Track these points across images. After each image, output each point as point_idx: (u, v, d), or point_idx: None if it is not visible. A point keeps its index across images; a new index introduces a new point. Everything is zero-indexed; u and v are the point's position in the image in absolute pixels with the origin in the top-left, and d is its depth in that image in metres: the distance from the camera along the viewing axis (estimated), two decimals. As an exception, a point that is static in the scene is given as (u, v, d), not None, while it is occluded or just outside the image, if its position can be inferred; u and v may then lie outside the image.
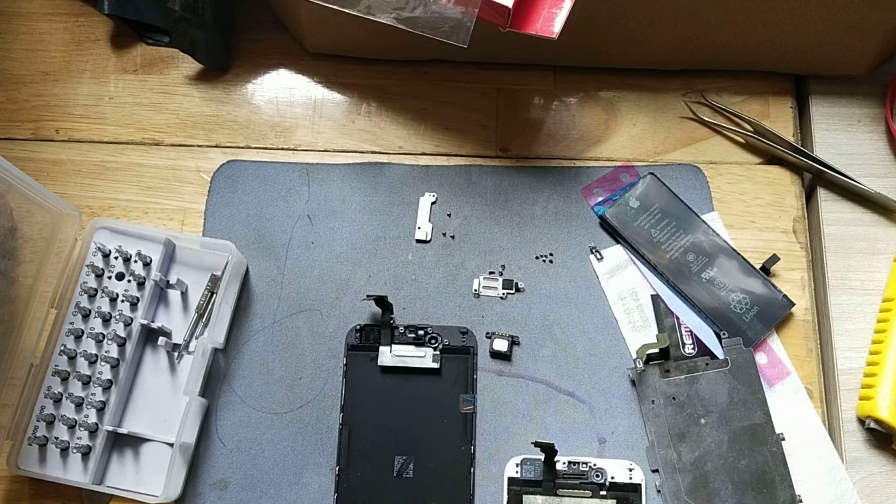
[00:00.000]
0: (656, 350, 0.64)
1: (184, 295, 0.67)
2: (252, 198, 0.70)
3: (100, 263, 0.66)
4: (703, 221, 0.68)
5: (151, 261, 0.66)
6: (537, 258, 0.68)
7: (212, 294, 0.66)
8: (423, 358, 0.65)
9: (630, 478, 0.62)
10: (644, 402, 0.64)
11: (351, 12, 0.60)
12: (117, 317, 0.65)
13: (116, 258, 0.66)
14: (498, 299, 0.67)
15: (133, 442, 0.64)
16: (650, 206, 0.68)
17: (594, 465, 0.62)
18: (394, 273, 0.68)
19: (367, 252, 0.69)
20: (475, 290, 0.68)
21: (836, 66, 0.71)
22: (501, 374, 0.66)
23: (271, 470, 0.64)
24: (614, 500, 0.62)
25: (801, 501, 0.61)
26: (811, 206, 0.71)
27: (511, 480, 0.62)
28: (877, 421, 0.62)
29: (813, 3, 0.65)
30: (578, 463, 0.62)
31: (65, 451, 0.63)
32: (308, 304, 0.67)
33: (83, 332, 0.65)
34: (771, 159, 0.72)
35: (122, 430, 0.63)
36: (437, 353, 0.65)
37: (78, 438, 0.63)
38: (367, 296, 0.65)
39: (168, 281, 0.66)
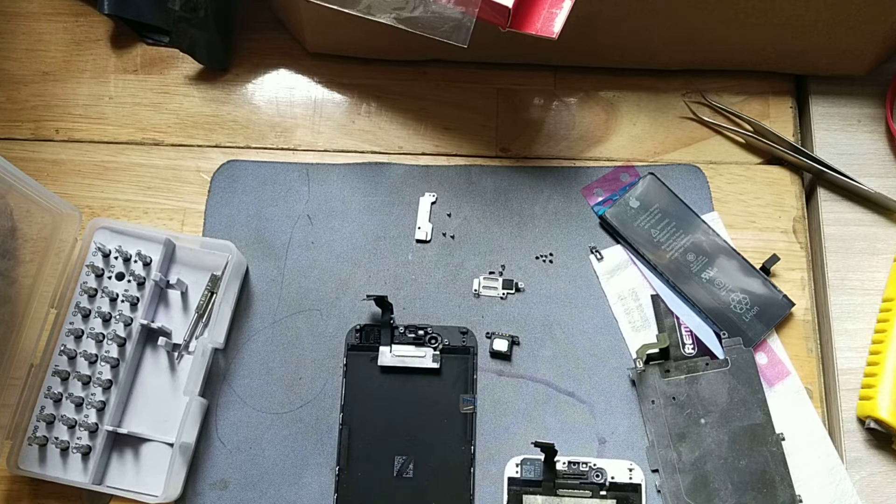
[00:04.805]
0: (656, 350, 0.64)
1: (184, 295, 0.67)
2: (252, 198, 0.70)
3: (100, 263, 0.66)
4: (703, 221, 0.68)
5: (151, 261, 0.66)
6: (537, 258, 0.68)
7: (212, 294, 0.66)
8: (423, 358, 0.65)
9: (630, 478, 0.62)
10: (644, 402, 0.64)
11: (351, 12, 0.60)
12: (117, 317, 0.65)
13: (116, 258, 0.66)
14: (498, 299, 0.67)
15: (133, 442, 0.64)
16: (650, 206, 0.68)
17: (594, 465, 0.62)
18: (394, 273, 0.68)
19: (367, 252, 0.69)
20: (475, 290, 0.67)
21: (836, 66, 0.71)
22: (501, 374, 0.66)
23: (271, 470, 0.64)
24: (614, 500, 0.62)
25: (801, 501, 0.61)
26: (811, 206, 0.71)
27: (511, 480, 0.62)
28: (877, 421, 0.62)
29: (813, 3, 0.65)
30: (578, 463, 0.62)
31: (65, 451, 0.63)
32: (308, 304, 0.67)
33: (83, 332, 0.65)
34: (771, 159, 0.72)
35: (122, 430, 0.63)
36: (437, 353, 0.65)
37: (78, 438, 0.63)
38: (367, 296, 0.65)
39: (168, 281, 0.66)
